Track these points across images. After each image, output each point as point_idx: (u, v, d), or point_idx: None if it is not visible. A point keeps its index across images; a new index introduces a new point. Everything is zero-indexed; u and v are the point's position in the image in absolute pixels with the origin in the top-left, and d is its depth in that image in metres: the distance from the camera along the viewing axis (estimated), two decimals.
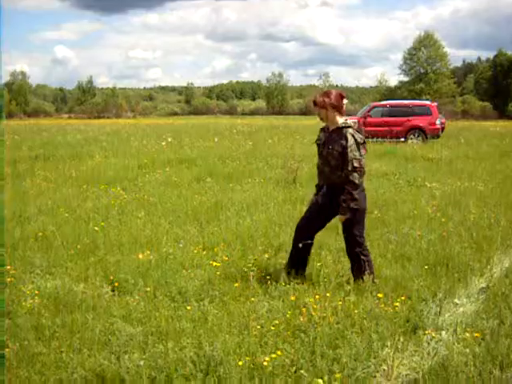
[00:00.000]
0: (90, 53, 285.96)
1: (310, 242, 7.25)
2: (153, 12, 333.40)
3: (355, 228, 7.12)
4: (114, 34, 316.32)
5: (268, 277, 7.20)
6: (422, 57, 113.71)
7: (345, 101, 7.14)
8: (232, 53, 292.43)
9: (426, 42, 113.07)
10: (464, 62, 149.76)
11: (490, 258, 8.34)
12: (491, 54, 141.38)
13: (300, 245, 7.15)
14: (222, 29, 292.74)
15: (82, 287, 7.10)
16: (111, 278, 7.32)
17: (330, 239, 8.94)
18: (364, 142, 7.02)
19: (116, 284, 7.15)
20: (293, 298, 6.47)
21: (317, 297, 6.41)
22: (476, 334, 5.60)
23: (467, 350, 5.26)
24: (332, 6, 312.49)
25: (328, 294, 6.50)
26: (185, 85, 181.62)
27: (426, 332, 5.76)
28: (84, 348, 5.42)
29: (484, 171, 18.60)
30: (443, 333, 5.74)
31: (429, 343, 5.54)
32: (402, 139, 32.50)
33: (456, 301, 6.69)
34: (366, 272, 6.97)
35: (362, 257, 7.08)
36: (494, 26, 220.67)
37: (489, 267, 7.97)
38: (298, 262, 7.29)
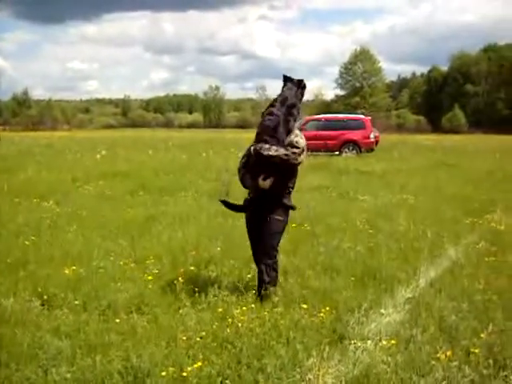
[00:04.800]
0: (26, 64, 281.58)
1: None
2: (90, 23, 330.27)
3: (274, 239, 7.19)
4: (50, 45, 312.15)
5: (197, 289, 7.25)
6: (358, 71, 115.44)
7: None
8: (170, 65, 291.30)
9: (361, 57, 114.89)
10: (399, 76, 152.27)
11: (416, 268, 8.53)
12: (426, 69, 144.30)
13: None
14: (161, 41, 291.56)
15: (11, 301, 7.03)
16: (39, 290, 7.26)
17: None
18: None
19: (45, 297, 7.10)
20: (220, 309, 6.53)
21: (244, 308, 6.50)
22: (393, 342, 5.74)
23: (389, 359, 5.38)
24: (270, 20, 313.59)
25: (253, 306, 6.60)
26: (122, 97, 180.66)
27: (352, 342, 5.87)
28: (11, 362, 5.37)
29: (415, 184, 18.98)
30: (369, 342, 5.87)
31: (354, 352, 5.65)
32: (337, 152, 32.94)
33: (382, 311, 6.83)
34: (270, 285, 7.07)
35: (272, 271, 7.14)
36: (429, 43, 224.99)
37: (415, 278, 8.15)
38: None
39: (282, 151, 6.89)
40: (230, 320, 6.19)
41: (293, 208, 7.32)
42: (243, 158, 7.39)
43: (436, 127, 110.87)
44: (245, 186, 7.32)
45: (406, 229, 11.27)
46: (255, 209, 7.16)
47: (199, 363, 5.16)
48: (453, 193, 16.90)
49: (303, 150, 7.08)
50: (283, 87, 7.39)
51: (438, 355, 5.36)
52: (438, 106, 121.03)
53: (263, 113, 7.29)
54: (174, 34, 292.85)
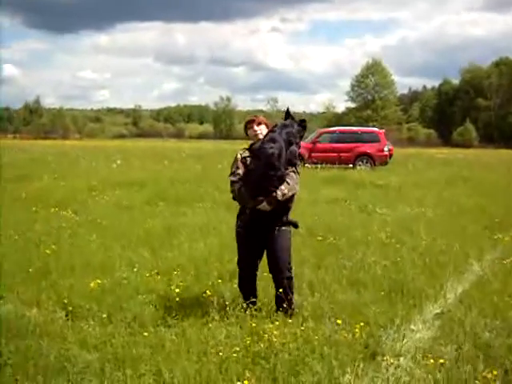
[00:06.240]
0: (37, 72, 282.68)
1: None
2: (102, 33, 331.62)
3: (288, 252, 7.02)
4: (62, 54, 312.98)
5: (224, 302, 7.11)
6: (370, 84, 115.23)
7: None
8: (181, 76, 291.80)
9: (373, 70, 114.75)
10: (410, 89, 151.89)
11: (443, 283, 8.41)
12: (436, 83, 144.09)
13: None
14: (172, 51, 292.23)
15: (35, 312, 6.93)
16: (65, 302, 7.14)
17: None
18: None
19: (70, 309, 6.98)
20: (254, 324, 6.35)
21: (276, 323, 6.38)
22: (433, 360, 5.60)
23: (429, 376, 5.26)
24: (282, 32, 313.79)
25: (290, 320, 6.49)
26: (132, 107, 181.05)
27: (385, 358, 5.75)
28: (39, 375, 5.26)
29: (432, 198, 18.84)
30: (401, 359, 5.75)
31: (387, 369, 5.53)
32: (351, 165, 32.81)
33: (412, 327, 6.71)
34: (293, 300, 6.95)
35: (292, 282, 7.03)
36: (440, 56, 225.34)
37: (442, 293, 8.03)
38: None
39: (293, 187, 6.82)
40: (261, 335, 6.06)
41: (296, 226, 7.16)
42: (234, 171, 7.01)
43: (447, 141, 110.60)
44: (242, 202, 6.98)
45: (428, 243, 11.14)
46: (257, 225, 6.91)
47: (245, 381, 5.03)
48: (470, 206, 16.73)
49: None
50: (286, 118, 7.13)
51: (485, 374, 5.23)
52: (448, 119, 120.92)
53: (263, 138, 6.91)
54: (185, 45, 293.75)
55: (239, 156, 7.04)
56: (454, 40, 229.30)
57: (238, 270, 7.25)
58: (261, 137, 7.02)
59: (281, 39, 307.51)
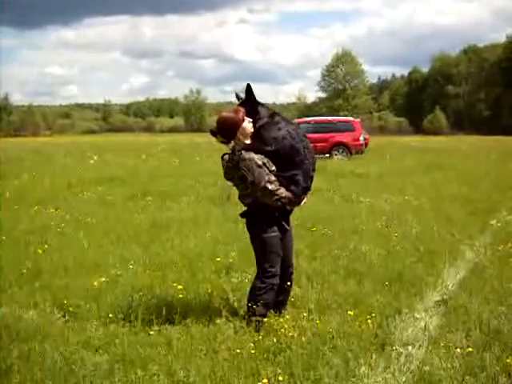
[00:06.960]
0: (3, 69, 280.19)
1: None
2: (69, 28, 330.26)
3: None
4: (29, 51, 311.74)
5: (231, 297, 6.99)
6: (340, 74, 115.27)
7: None
8: (149, 70, 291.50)
9: (343, 59, 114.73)
10: (379, 78, 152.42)
11: (440, 271, 8.37)
12: (405, 71, 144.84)
13: None
14: (139, 45, 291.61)
15: (32, 314, 6.74)
16: (65, 302, 6.95)
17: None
18: None
19: (70, 309, 6.80)
20: (265, 319, 6.20)
21: (287, 316, 6.29)
22: (451, 348, 5.55)
23: (448, 364, 5.20)
24: (250, 23, 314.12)
25: (305, 314, 6.41)
26: (102, 102, 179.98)
27: (394, 348, 5.68)
28: (47, 379, 5.08)
29: (413, 186, 18.84)
30: (414, 347, 5.69)
31: (397, 359, 5.47)
32: (327, 155, 32.80)
33: (416, 315, 6.65)
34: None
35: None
36: (408, 44, 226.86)
37: (441, 280, 7.98)
38: None
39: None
40: (270, 329, 5.96)
41: None
42: (268, 179, 6.20)
43: (418, 129, 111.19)
44: (282, 201, 6.26)
45: (418, 230, 11.12)
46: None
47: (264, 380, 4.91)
48: (452, 193, 16.78)
49: None
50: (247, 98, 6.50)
51: (508, 361, 5.17)
52: (419, 107, 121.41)
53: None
54: (152, 38, 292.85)
55: (260, 162, 6.20)
56: (422, 28, 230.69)
57: (268, 279, 6.30)
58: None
59: (249, 30, 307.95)
